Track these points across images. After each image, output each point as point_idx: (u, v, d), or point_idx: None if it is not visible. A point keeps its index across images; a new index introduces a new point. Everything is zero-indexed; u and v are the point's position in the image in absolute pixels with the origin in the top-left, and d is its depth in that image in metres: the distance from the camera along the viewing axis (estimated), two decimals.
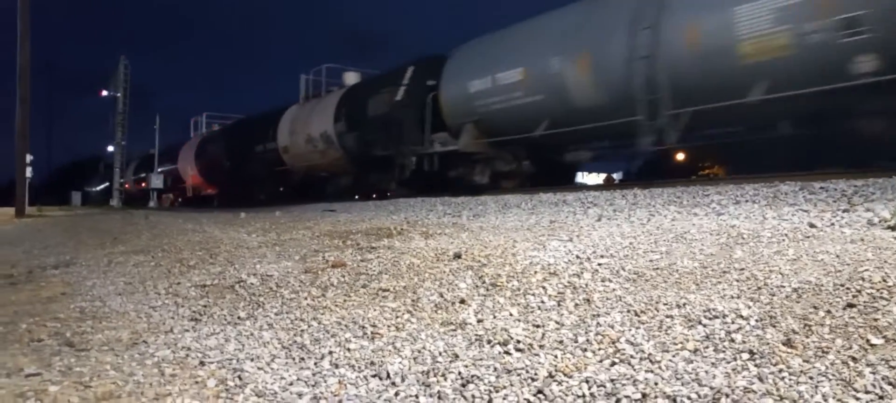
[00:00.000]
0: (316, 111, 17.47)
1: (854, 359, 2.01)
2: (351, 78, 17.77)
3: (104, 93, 37.36)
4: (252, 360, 2.71)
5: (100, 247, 7.82)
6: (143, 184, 33.52)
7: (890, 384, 1.84)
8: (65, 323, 3.59)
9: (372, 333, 2.89)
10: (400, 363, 2.48)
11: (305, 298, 3.71)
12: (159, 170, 32.21)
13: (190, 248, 6.52)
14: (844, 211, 4.33)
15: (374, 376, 2.39)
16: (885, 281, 2.57)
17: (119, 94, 36.29)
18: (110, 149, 38.30)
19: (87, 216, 18.73)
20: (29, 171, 24.23)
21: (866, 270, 2.72)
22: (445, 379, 2.27)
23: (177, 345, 3.01)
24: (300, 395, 2.30)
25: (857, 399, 1.81)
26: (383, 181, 14.72)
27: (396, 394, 2.22)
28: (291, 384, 2.40)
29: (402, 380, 2.31)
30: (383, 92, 14.26)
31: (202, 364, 2.72)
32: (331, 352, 2.71)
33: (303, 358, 2.69)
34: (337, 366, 2.54)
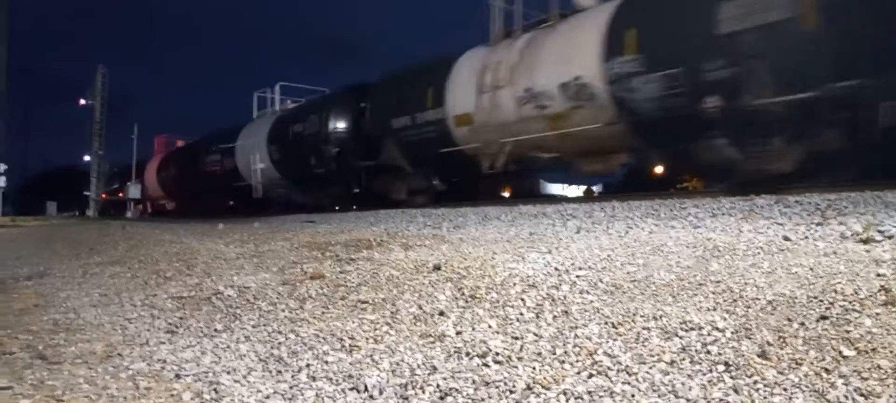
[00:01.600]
0: (544, 48, 10.22)
1: (827, 371, 2.04)
2: None
3: (82, 101, 37.01)
4: (228, 373, 2.68)
5: (75, 258, 7.71)
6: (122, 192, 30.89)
7: (862, 395, 1.87)
8: (37, 335, 3.53)
9: (350, 346, 2.88)
10: (378, 376, 2.46)
11: (283, 310, 3.68)
12: (209, 159, 22.62)
13: (167, 260, 6.44)
14: (818, 224, 4.39)
15: (351, 389, 2.38)
16: (856, 293, 2.61)
17: (96, 103, 35.96)
18: (87, 158, 37.85)
19: (63, 226, 18.45)
20: (2, 181, 23.74)
21: (839, 283, 2.77)
22: (424, 392, 2.27)
23: (152, 358, 2.97)
24: None
25: None
26: (765, 159, 7.47)
27: None
28: (268, 397, 2.38)
29: (380, 393, 2.30)
30: None
31: (178, 377, 2.68)
32: (308, 365, 2.69)
33: (280, 371, 2.67)
34: (314, 379, 2.52)
